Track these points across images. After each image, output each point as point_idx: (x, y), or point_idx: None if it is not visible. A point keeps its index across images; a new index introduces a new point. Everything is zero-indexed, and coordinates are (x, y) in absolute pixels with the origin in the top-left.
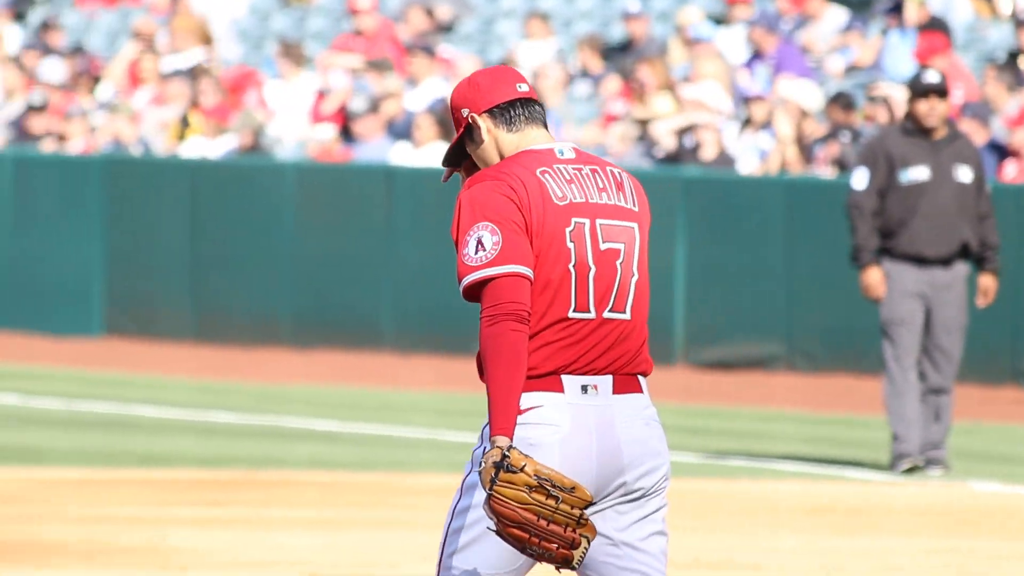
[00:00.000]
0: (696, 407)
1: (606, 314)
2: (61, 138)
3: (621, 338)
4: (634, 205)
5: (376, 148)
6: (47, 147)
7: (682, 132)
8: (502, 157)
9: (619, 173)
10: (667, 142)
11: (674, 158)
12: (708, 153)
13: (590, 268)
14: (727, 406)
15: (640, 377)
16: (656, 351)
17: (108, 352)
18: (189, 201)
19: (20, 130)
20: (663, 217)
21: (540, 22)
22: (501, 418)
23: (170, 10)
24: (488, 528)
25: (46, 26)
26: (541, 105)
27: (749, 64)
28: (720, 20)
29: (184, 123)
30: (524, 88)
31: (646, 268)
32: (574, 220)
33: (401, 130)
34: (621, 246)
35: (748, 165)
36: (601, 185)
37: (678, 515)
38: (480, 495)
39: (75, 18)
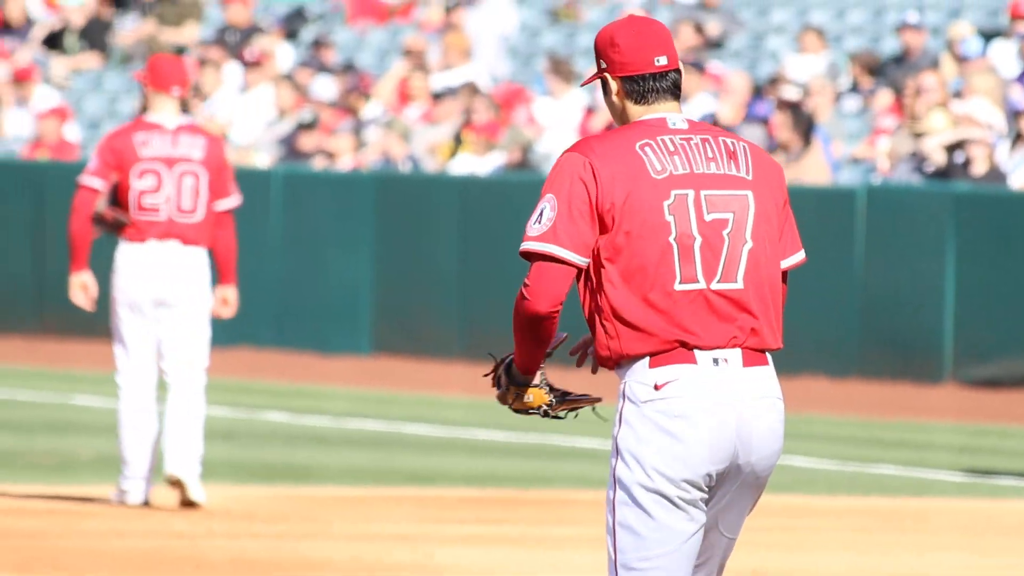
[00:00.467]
0: (965, 425)
1: (714, 285)
2: (331, 156)
3: (738, 308)
4: (747, 173)
5: None
6: (317, 164)
7: (952, 148)
8: (624, 119)
9: (732, 143)
10: (937, 158)
11: (944, 174)
12: (979, 169)
13: (695, 239)
14: (997, 424)
15: (768, 354)
16: (925, 369)
17: (377, 370)
18: (458, 218)
19: (291, 148)
20: (933, 234)
21: (811, 37)
22: (532, 365)
23: (441, 27)
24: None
25: (318, 44)
26: (679, 71)
27: (1021, 79)
28: (991, 35)
29: (457, 141)
30: (662, 61)
31: (766, 236)
32: (674, 193)
33: None
34: (730, 215)
35: (1020, 180)
36: (710, 155)
37: (946, 534)
38: (625, 492)
39: (346, 36)
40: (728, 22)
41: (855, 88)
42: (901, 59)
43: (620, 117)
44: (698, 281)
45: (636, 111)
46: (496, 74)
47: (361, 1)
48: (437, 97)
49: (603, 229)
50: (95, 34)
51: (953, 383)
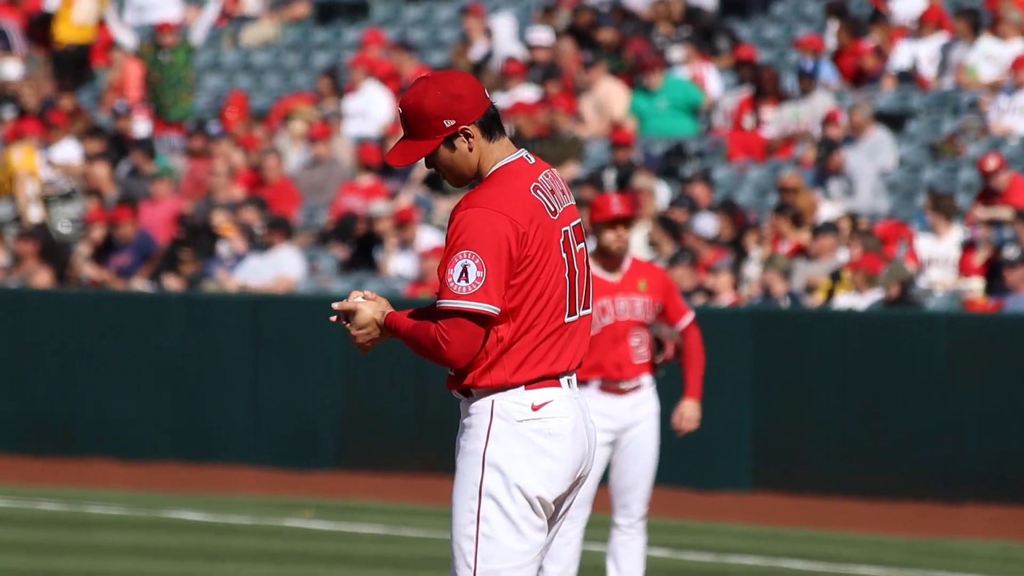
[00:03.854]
0: None
1: (580, 312)
2: (711, 292)
3: (584, 333)
4: (571, 200)
5: None
6: (696, 301)
7: None
8: (477, 165)
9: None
10: None
11: None
12: None
13: (575, 272)
14: None
15: None
16: None
17: (757, 507)
18: (840, 353)
19: None
20: None
21: None
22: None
23: (820, 164)
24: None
25: (695, 181)
26: None
27: None
28: None
29: (834, 278)
30: (488, 95)
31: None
32: (563, 230)
33: None
34: (583, 244)
35: None
36: (562, 188)
37: None
38: (492, 499)
39: (726, 172)
40: None
41: None
42: None
43: (469, 167)
44: (576, 313)
45: (489, 148)
46: (876, 209)
47: (741, 138)
48: (817, 232)
49: (517, 274)
50: None
51: None
